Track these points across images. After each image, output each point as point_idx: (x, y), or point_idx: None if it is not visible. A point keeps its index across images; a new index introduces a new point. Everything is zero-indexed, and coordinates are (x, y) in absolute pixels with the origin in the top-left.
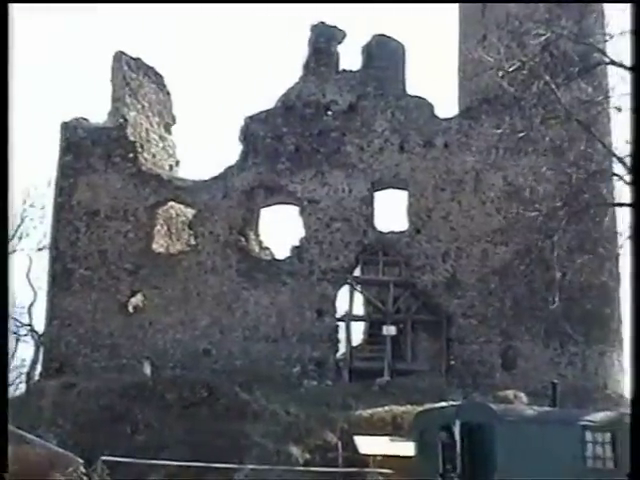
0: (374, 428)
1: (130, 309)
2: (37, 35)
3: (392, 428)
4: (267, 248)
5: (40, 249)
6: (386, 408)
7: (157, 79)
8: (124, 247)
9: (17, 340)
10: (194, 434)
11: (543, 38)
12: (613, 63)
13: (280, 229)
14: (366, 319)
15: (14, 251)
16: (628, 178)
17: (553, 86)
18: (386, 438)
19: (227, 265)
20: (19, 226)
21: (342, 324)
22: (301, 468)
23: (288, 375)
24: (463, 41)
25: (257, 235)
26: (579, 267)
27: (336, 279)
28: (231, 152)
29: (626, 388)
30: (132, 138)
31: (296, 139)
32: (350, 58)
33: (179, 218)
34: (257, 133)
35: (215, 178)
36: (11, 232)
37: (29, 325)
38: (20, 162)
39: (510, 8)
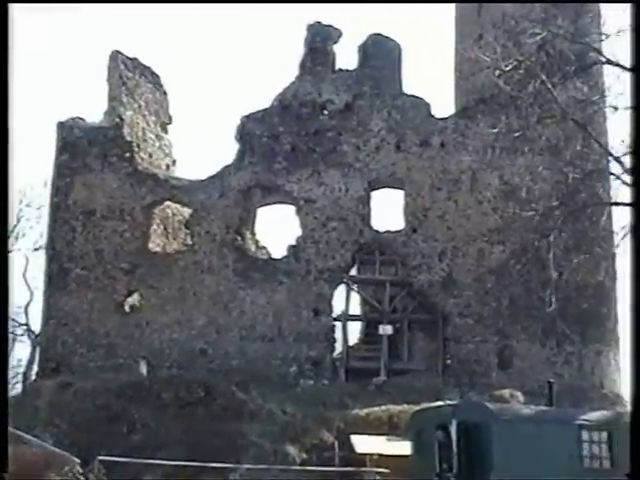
0: (371, 427)
1: (126, 309)
2: (33, 35)
3: (388, 427)
4: (264, 247)
5: (36, 249)
6: (382, 407)
7: (153, 79)
8: (120, 246)
9: (14, 340)
10: (190, 434)
11: (539, 37)
12: (609, 62)
13: (276, 228)
14: (362, 318)
15: (10, 251)
16: (624, 177)
17: (549, 85)
18: (383, 437)
19: (224, 264)
20: (15, 226)
21: (339, 323)
22: (298, 467)
23: (285, 374)
24: (459, 40)
25: (254, 234)
26: (575, 266)
27: (332, 278)
28: (227, 151)
29: (622, 387)
30: (128, 138)
31: (292, 138)
32: (346, 57)
33: (175, 217)
34: (253, 132)
35: (211, 177)
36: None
37: (25, 325)
38: (16, 162)
39: (506, 7)
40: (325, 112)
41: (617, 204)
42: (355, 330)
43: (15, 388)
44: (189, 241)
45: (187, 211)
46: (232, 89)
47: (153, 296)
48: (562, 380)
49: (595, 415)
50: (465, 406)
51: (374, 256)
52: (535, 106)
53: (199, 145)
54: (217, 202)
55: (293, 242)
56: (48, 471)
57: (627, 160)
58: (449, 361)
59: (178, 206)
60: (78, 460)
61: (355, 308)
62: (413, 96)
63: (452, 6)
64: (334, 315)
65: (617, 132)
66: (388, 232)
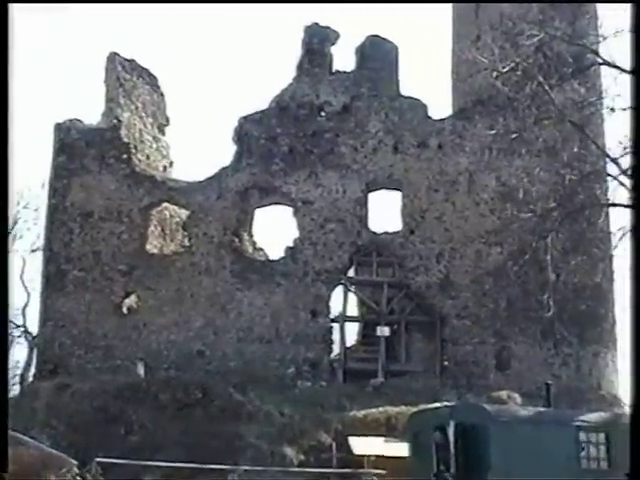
0: (368, 429)
1: (124, 310)
2: (30, 36)
3: (386, 429)
4: (261, 249)
5: (34, 250)
6: (380, 409)
7: (151, 80)
8: (118, 248)
9: (11, 341)
10: (188, 435)
11: (537, 39)
12: (607, 64)
13: (274, 230)
14: (360, 320)
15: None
16: (622, 179)
17: (547, 87)
18: (380, 439)
19: (221, 266)
20: (13, 227)
21: (336, 325)
22: (295, 469)
23: (282, 376)
24: (457, 42)
25: (251, 236)
26: (573, 268)
27: (330, 280)
28: (225, 153)
29: (620, 389)
30: (126, 139)
31: (290, 140)
32: (344, 59)
33: (173, 219)
34: (251, 134)
35: (209, 179)
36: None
37: (23, 326)
38: (14, 164)
39: (504, 9)
40: (323, 114)
41: (615, 205)
42: (353, 331)
43: (13, 390)
44: (186, 243)
45: (184, 213)
46: (229, 91)
47: (150, 297)
48: (560, 381)
49: (593, 416)
50: (463, 407)
51: (372, 257)
52: (532, 108)
53: (196, 147)
54: (214, 204)
55: (291, 243)
56: (45, 472)
57: (624, 161)
58: (447, 362)
59: (175, 208)
60: (75, 462)
61: (353, 309)
62: (410, 98)
63: (449, 7)
64: (332, 316)
65: (614, 133)
66: (386, 233)
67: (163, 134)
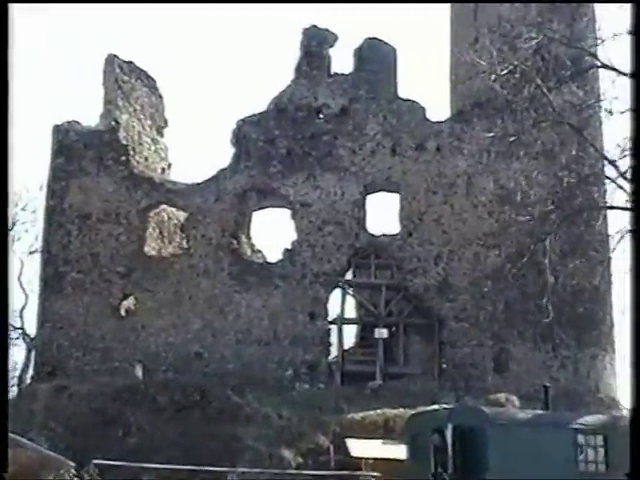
0: (366, 431)
1: (122, 312)
2: (28, 38)
3: (384, 431)
4: (259, 251)
5: (32, 252)
6: (378, 411)
7: (149, 82)
8: (116, 250)
9: (9, 343)
10: (186, 437)
11: (535, 42)
12: (605, 67)
13: (272, 232)
14: (358, 322)
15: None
16: (620, 181)
17: (545, 90)
18: (378, 441)
19: (219, 268)
20: (11, 229)
21: (334, 327)
22: (293, 471)
23: (280, 378)
24: (455, 44)
25: (249, 238)
26: (571, 271)
27: (328, 282)
28: (223, 155)
29: (618, 391)
30: (124, 141)
31: (288, 142)
32: (342, 61)
33: (171, 221)
34: (249, 136)
35: (207, 181)
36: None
37: (21, 328)
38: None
39: (502, 11)
40: (321, 116)
41: (613, 208)
42: (351, 334)
43: (10, 391)
44: (185, 245)
45: (183, 215)
46: (228, 93)
47: (149, 300)
48: (558, 384)
49: (591, 419)
50: (461, 410)
51: (370, 260)
52: (531, 110)
53: (195, 149)
54: (213, 206)
55: (289, 246)
56: (43, 474)
57: (623, 164)
58: (445, 365)
59: (174, 210)
60: (73, 464)
61: (351, 312)
62: (409, 100)
63: (448, 10)
64: (330, 319)
65: (612, 136)
66: (384, 236)
67: (161, 136)
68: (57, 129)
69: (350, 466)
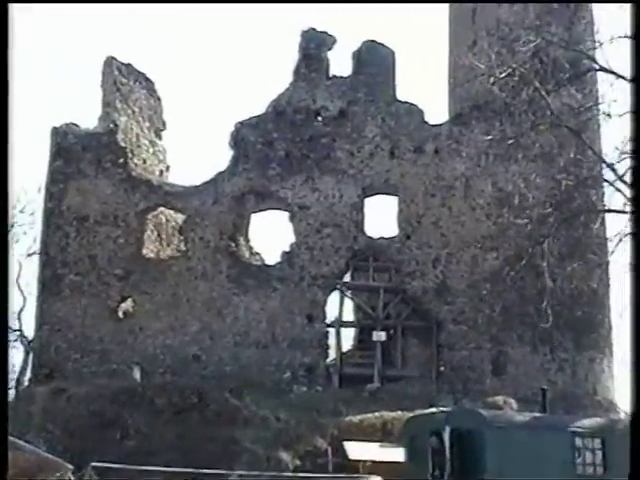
0: (364, 434)
1: (120, 314)
2: (27, 39)
3: (382, 434)
4: (257, 254)
5: (30, 254)
6: (376, 414)
7: (148, 84)
8: (114, 252)
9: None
10: (184, 440)
11: (533, 45)
12: (603, 70)
13: (270, 235)
14: (356, 325)
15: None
16: (618, 184)
17: (543, 92)
18: (376, 444)
19: (217, 271)
20: (9, 231)
21: (332, 330)
22: (290, 474)
23: (278, 381)
24: (453, 47)
25: (247, 241)
26: (569, 274)
27: (326, 285)
28: (221, 157)
29: (616, 394)
30: (122, 143)
31: (286, 145)
32: (340, 64)
33: (169, 223)
34: (248, 139)
35: (205, 184)
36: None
37: (19, 330)
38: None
39: (500, 14)
40: (319, 118)
41: (611, 211)
42: (349, 336)
43: (8, 394)
44: (183, 247)
45: (181, 217)
46: (226, 95)
47: (147, 302)
48: (556, 387)
49: (588, 422)
50: (459, 413)
51: (368, 262)
52: (529, 113)
53: (193, 151)
54: (211, 208)
55: (287, 248)
56: (41, 477)
57: (621, 167)
58: (443, 368)
59: (172, 212)
60: (71, 466)
61: (349, 314)
62: (407, 103)
63: (446, 12)
64: (328, 321)
65: (611, 139)
66: (382, 238)
67: (160, 138)
68: (55, 131)
69: (348, 469)
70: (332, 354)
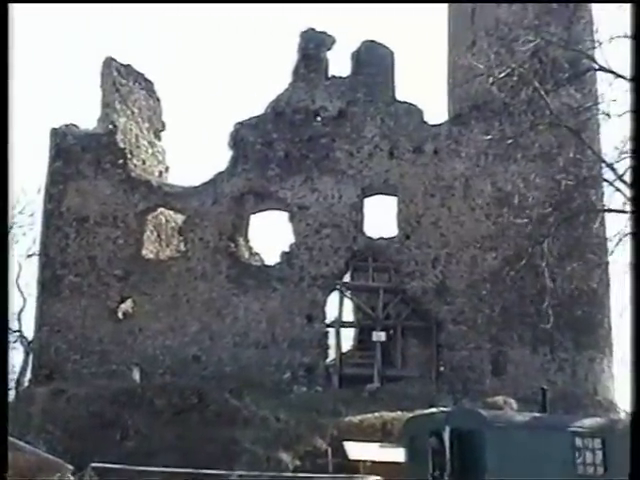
0: (364, 434)
1: (120, 315)
2: (26, 40)
3: (382, 434)
4: (257, 254)
5: (29, 255)
6: (376, 414)
7: (147, 85)
8: (114, 253)
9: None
10: (184, 440)
11: (532, 44)
12: (602, 69)
13: (270, 235)
14: (356, 325)
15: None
16: (618, 184)
17: (542, 92)
18: (376, 444)
19: (217, 271)
20: (8, 232)
21: (332, 330)
22: (290, 474)
23: (278, 381)
24: (452, 47)
25: (247, 241)
26: (569, 273)
27: (326, 285)
28: (221, 158)
29: (616, 394)
30: (122, 144)
31: (286, 145)
32: (340, 64)
33: (169, 224)
34: (247, 139)
35: (205, 184)
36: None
37: (18, 331)
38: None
39: (499, 14)
40: (318, 119)
41: (610, 211)
42: (348, 337)
43: (8, 395)
44: (182, 248)
45: (180, 218)
46: (225, 96)
47: (146, 303)
48: (556, 387)
49: (588, 422)
50: (458, 413)
51: (367, 263)
52: (528, 113)
53: (192, 152)
54: (210, 209)
55: (286, 249)
56: (41, 477)
57: (620, 166)
58: (443, 368)
59: (171, 213)
60: (71, 467)
61: (348, 315)
62: (406, 103)
63: (445, 13)
64: (327, 322)
65: (610, 139)
66: (381, 239)
67: (159, 139)
68: (55, 132)
69: (348, 469)
70: (332, 354)
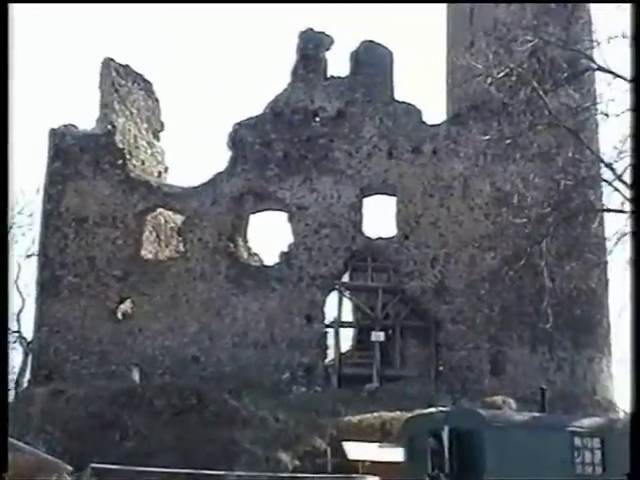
0: (363, 434)
1: (119, 316)
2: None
3: (381, 434)
4: (256, 254)
5: (29, 256)
6: (375, 414)
7: (146, 86)
8: (113, 254)
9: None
10: (183, 441)
11: (531, 44)
12: (601, 69)
13: (269, 235)
14: (355, 325)
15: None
16: (616, 184)
17: (541, 92)
18: (375, 444)
19: (216, 271)
20: (8, 232)
21: (331, 330)
22: (290, 474)
23: (277, 381)
24: (451, 48)
25: (246, 241)
26: (568, 273)
27: (325, 285)
28: (220, 158)
29: (614, 394)
30: (120, 145)
31: (285, 145)
32: (338, 64)
33: (168, 224)
34: (246, 139)
35: (204, 184)
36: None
37: (18, 332)
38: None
39: (498, 14)
40: (317, 119)
41: (609, 211)
42: (347, 337)
43: (7, 395)
44: (181, 248)
45: (179, 218)
46: (224, 96)
47: (145, 303)
48: (554, 387)
49: (587, 421)
50: (457, 413)
51: (366, 263)
52: (527, 113)
53: (191, 152)
54: (209, 209)
55: (285, 249)
56: (40, 478)
57: (619, 166)
58: (441, 367)
59: (170, 213)
60: (70, 467)
61: (347, 315)
62: (405, 103)
63: (444, 13)
64: (326, 322)
65: (609, 139)
66: (380, 239)
67: (158, 140)
68: (54, 133)
69: (347, 469)
70: (331, 354)
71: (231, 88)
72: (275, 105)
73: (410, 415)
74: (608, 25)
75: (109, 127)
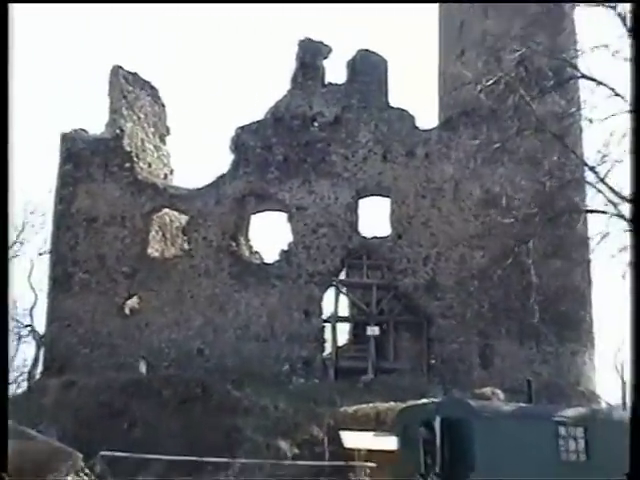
0: (359, 423)
1: (127, 311)
2: (39, 52)
3: (375, 423)
4: (257, 252)
5: (41, 254)
6: (370, 405)
7: (152, 92)
8: (121, 252)
9: (19, 340)
10: (188, 429)
11: (518, 54)
12: (585, 77)
13: (269, 234)
14: (351, 320)
15: (16, 256)
16: (599, 186)
17: (528, 99)
18: (370, 433)
19: (219, 269)
20: (21, 232)
21: (328, 325)
22: (289, 462)
23: (277, 373)
24: (443, 57)
25: (248, 240)
26: (553, 271)
27: (322, 282)
28: (223, 161)
29: (597, 385)
30: (128, 148)
31: (284, 149)
32: (335, 72)
33: (173, 224)
34: (247, 143)
35: (208, 186)
36: (13, 238)
37: (30, 326)
38: (21, 171)
39: (487, 25)
40: (315, 124)
41: (592, 211)
42: (344, 331)
43: (21, 386)
44: (186, 246)
45: (184, 218)
46: (227, 102)
47: (152, 299)
48: (540, 378)
49: (571, 411)
50: (448, 403)
51: (362, 261)
52: (514, 119)
53: (196, 155)
54: (213, 209)
55: (285, 247)
56: (53, 465)
57: (602, 169)
58: (433, 360)
59: (176, 213)
60: (81, 455)
61: (344, 310)
62: (399, 109)
63: (436, 24)
64: (324, 317)
65: (592, 143)
66: (375, 238)
67: (164, 143)
68: (65, 137)
69: (343, 457)
70: (328, 348)
71: (234, 95)
72: (275, 111)
73: (404, 405)
74: (592, 35)
75: (118, 132)
